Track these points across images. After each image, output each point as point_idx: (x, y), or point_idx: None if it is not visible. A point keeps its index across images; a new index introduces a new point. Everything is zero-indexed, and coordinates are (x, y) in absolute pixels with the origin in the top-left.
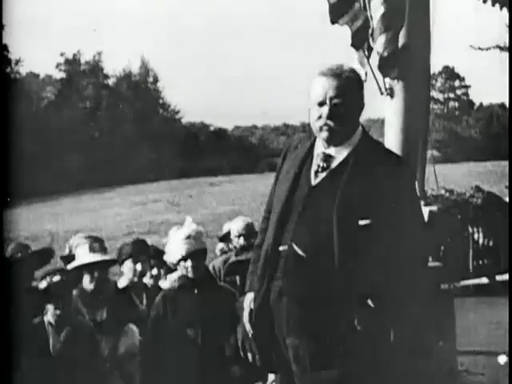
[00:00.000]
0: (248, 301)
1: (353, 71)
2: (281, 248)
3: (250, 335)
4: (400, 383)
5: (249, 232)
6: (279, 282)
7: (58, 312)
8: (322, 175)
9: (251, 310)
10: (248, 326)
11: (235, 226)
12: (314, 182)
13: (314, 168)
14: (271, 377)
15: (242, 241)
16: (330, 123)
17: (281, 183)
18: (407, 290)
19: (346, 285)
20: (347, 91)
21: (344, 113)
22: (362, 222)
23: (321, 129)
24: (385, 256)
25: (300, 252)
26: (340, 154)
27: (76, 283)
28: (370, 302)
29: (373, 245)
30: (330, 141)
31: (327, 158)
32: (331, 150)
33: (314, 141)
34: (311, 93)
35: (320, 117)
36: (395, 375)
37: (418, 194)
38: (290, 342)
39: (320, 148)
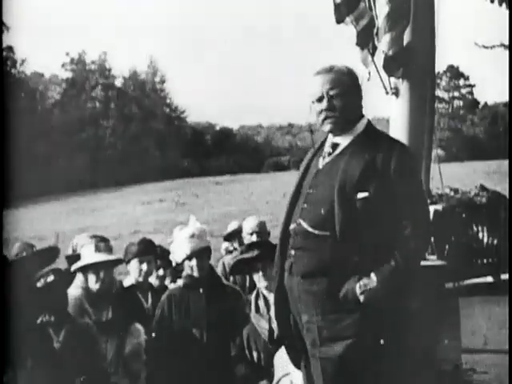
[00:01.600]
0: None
1: (345, 67)
2: (290, 227)
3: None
4: (405, 382)
5: (261, 230)
6: (290, 260)
7: (55, 312)
8: (328, 159)
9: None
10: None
11: (248, 224)
12: (321, 166)
13: (322, 155)
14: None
15: (254, 238)
16: (330, 113)
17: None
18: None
19: (349, 256)
20: (341, 82)
21: (342, 102)
22: (360, 195)
23: (323, 121)
24: (386, 229)
25: (307, 227)
26: (345, 141)
27: (70, 283)
28: (372, 275)
29: (373, 217)
30: (334, 130)
31: (334, 146)
32: (337, 139)
33: (327, 137)
34: (311, 93)
35: (321, 111)
36: (399, 373)
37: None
38: (304, 321)
39: (330, 139)
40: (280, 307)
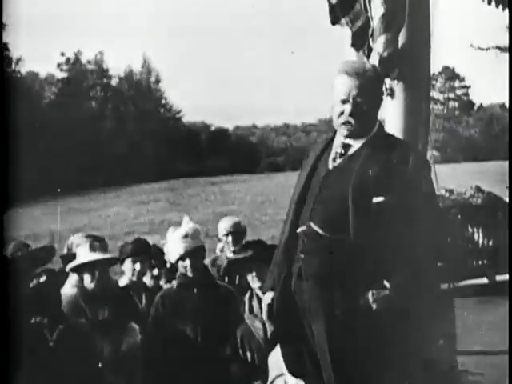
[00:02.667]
0: (268, 299)
1: (375, 69)
2: (299, 230)
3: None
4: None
5: (237, 230)
6: (298, 264)
7: (48, 312)
8: (339, 160)
9: (269, 305)
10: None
11: (222, 225)
12: (331, 166)
13: (332, 155)
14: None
15: (230, 239)
16: (352, 120)
17: (300, 175)
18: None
19: (362, 262)
20: (369, 90)
21: (365, 111)
22: (375, 200)
23: (342, 125)
24: (401, 234)
25: (318, 230)
26: (357, 143)
27: (63, 283)
28: (386, 282)
29: (388, 222)
30: (350, 136)
31: (345, 147)
32: (349, 140)
33: (335, 134)
34: (335, 90)
35: (342, 113)
36: (395, 374)
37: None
38: (314, 327)
39: (339, 139)
40: (283, 312)
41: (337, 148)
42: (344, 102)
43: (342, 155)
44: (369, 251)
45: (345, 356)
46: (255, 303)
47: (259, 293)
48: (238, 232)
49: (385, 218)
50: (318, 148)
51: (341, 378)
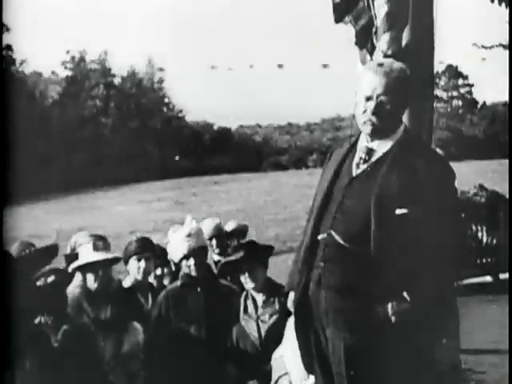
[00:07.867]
0: (291, 299)
1: (402, 70)
2: (320, 237)
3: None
4: (403, 381)
5: (218, 233)
6: (318, 271)
7: (54, 311)
8: (363, 167)
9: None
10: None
11: (204, 230)
12: (354, 173)
13: (355, 161)
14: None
15: (214, 242)
16: (374, 119)
17: (323, 177)
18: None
19: (383, 274)
20: (394, 90)
21: (388, 110)
22: (398, 211)
23: (364, 123)
24: (422, 247)
25: (339, 240)
26: (381, 148)
27: (69, 283)
28: (405, 294)
29: (410, 234)
30: (373, 135)
31: (369, 152)
32: (373, 144)
33: (358, 137)
34: (360, 87)
35: (365, 111)
36: (398, 373)
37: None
38: (328, 333)
39: (363, 142)
40: (301, 318)
41: (360, 153)
42: (368, 99)
43: (365, 161)
44: (389, 264)
45: (360, 366)
46: (250, 303)
47: (254, 293)
48: (220, 235)
49: (408, 231)
50: (342, 151)
51: None
